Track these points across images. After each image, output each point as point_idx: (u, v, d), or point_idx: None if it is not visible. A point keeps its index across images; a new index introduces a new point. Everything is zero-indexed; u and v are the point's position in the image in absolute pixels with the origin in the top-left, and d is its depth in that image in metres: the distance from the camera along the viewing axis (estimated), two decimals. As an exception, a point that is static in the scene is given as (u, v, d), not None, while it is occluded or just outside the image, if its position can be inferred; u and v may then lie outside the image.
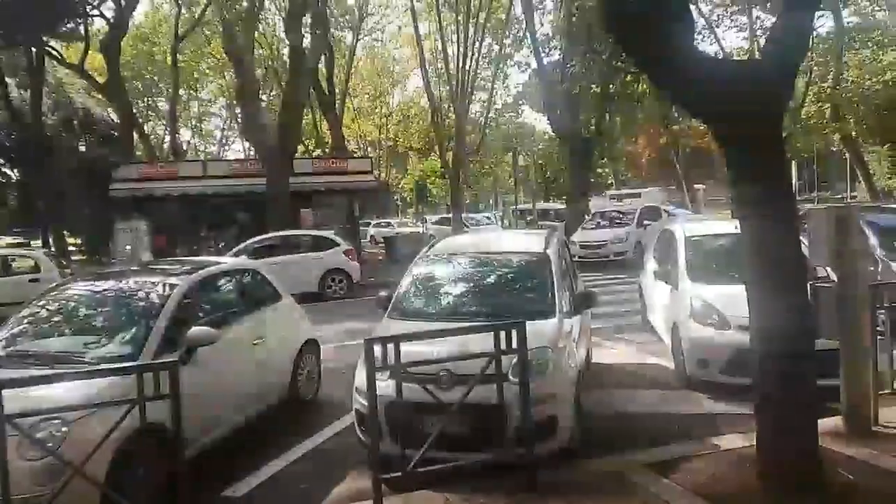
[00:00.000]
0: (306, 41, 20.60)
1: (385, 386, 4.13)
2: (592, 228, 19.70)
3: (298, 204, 19.88)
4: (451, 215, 30.06)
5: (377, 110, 44.78)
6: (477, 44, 28.54)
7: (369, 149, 44.73)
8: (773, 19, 5.01)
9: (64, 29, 25.67)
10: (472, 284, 5.88)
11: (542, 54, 23.13)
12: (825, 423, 4.44)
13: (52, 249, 22.42)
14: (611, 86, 14.87)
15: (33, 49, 25.25)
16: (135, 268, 6.81)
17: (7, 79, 26.09)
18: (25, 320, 5.28)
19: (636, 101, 15.72)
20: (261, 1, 22.18)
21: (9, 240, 33.29)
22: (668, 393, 6.35)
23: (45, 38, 25.16)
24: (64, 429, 3.82)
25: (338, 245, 15.15)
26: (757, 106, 3.79)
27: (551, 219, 28.40)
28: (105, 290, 5.51)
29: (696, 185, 36.70)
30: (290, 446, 5.47)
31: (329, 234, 15.95)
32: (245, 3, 20.50)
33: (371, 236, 33.89)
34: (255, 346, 5.86)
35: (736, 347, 5.68)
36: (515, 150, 30.55)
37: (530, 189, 38.48)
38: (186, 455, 4.49)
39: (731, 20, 25.85)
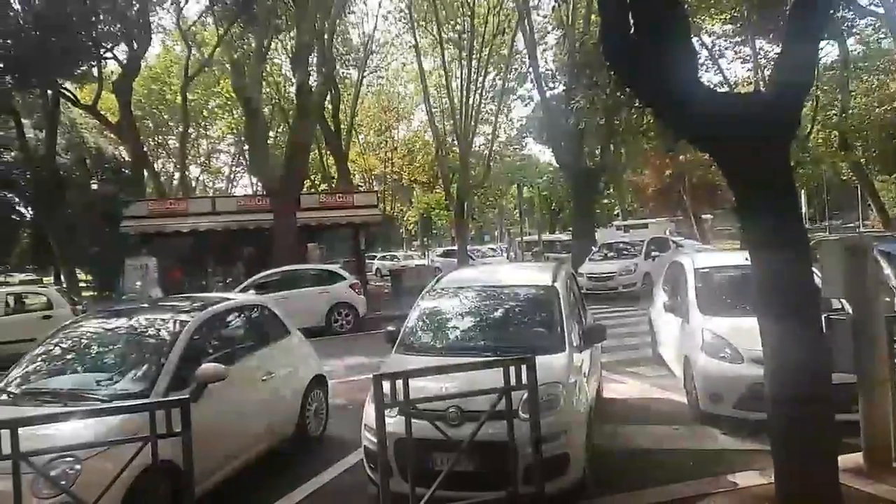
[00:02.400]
0: (312, 79, 20.98)
1: (394, 423, 4.09)
2: (600, 260, 19.65)
3: (305, 238, 19.97)
4: (456, 248, 30.16)
5: (382, 145, 45.31)
6: (480, 79, 28.97)
7: (374, 182, 45.10)
8: (777, 50, 5.08)
9: (78, 71, 26.22)
10: (479, 318, 5.85)
11: (545, 88, 23.44)
12: (845, 460, 4.34)
13: (64, 286, 22.53)
14: (615, 119, 15.00)
15: (48, 91, 25.79)
16: (146, 305, 6.82)
17: (23, 120, 26.63)
18: (39, 358, 5.29)
19: (641, 134, 15.83)
20: (268, 41, 22.65)
21: (22, 276, 33.62)
22: (680, 428, 6.25)
23: (59, 81, 25.72)
24: (77, 466, 3.84)
25: (344, 279, 15.15)
26: (764, 138, 3.80)
27: (557, 250, 28.41)
28: (117, 327, 5.53)
29: (703, 216, 36.72)
30: (298, 484, 5.40)
31: (335, 267, 15.98)
32: (253, 44, 20.96)
33: (376, 269, 33.95)
34: (265, 382, 5.84)
35: (750, 382, 5.59)
36: (520, 182, 30.64)
37: (535, 221, 38.56)
38: (196, 492, 4.45)
39: (735, 51, 26.11)
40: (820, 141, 26.40)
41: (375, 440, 4.66)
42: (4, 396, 4.79)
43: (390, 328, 6.04)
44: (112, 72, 29.50)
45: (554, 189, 42.65)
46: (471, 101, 28.19)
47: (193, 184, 41.48)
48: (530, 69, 24.91)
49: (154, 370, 4.81)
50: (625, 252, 19.62)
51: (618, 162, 26.42)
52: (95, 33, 24.46)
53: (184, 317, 5.41)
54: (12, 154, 29.06)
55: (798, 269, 3.78)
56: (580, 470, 4.51)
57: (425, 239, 30.28)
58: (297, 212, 18.76)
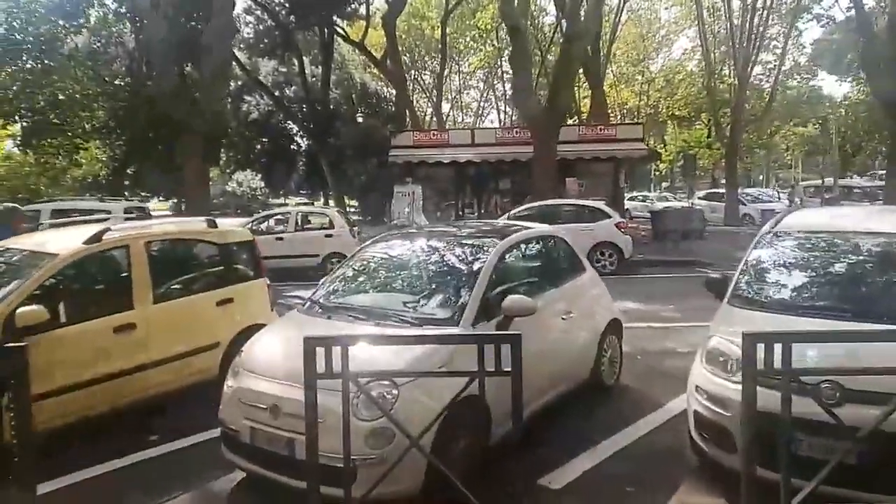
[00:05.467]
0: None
1: (734, 390, 3.35)
2: None
3: (562, 172, 19.19)
4: (722, 190, 26.98)
5: (637, 76, 42.03)
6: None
7: (626, 117, 42.32)
8: None
9: (349, 9, 28.14)
10: (854, 273, 4.50)
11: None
12: None
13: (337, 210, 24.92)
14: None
15: (324, 29, 28.06)
16: (443, 228, 6.57)
17: (303, 57, 29.54)
18: (345, 275, 5.32)
19: None
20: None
21: (297, 199, 38.40)
22: None
23: (333, 19, 27.84)
24: (395, 391, 3.65)
25: (609, 217, 14.11)
26: None
27: (856, 197, 23.85)
28: (418, 250, 5.35)
29: None
30: (598, 439, 4.85)
31: (600, 204, 14.95)
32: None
33: (626, 210, 31.99)
34: (564, 321, 5.27)
35: None
36: (823, 119, 25.78)
37: (815, 163, 33.05)
38: (496, 433, 4.08)
39: None
40: None
41: (712, 406, 3.94)
42: (318, 309, 4.82)
43: (714, 275, 5.08)
44: (377, 9, 31.18)
45: (850, 126, 35.03)
46: (753, 24, 24.33)
47: (445, 118, 43.01)
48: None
49: (461, 298, 4.48)
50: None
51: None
52: (366, -30, 25.86)
53: (487, 242, 5.02)
54: (292, 89, 32.60)
55: None
56: None
57: (688, 179, 27.55)
58: (556, 144, 17.97)
